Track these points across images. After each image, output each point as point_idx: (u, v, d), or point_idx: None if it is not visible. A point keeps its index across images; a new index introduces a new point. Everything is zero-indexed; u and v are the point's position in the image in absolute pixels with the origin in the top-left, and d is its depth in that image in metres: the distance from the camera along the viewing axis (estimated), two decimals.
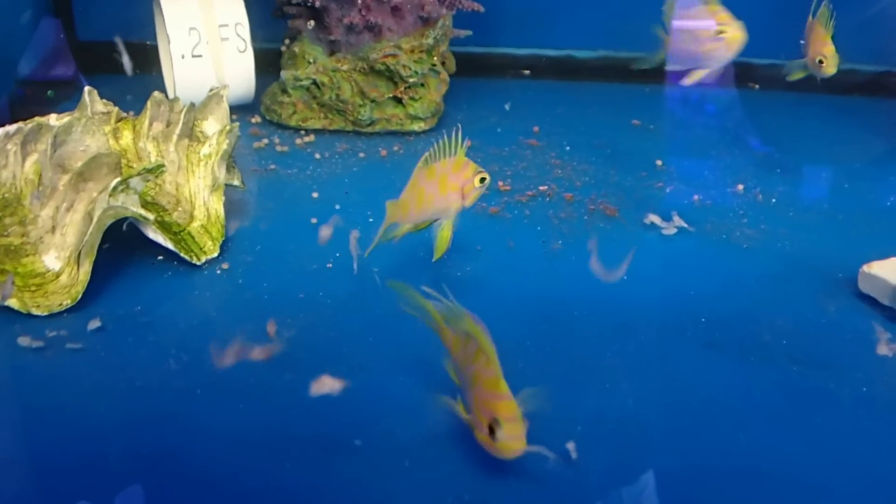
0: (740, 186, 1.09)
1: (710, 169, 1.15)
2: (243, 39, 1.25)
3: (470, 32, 1.31)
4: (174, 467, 0.64)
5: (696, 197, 1.06)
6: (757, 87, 1.48)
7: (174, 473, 0.63)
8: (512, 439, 0.60)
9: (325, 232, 0.93)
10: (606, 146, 1.22)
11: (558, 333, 0.81)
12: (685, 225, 0.98)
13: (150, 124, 0.93)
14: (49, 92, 1.37)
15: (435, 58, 1.25)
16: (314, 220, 0.99)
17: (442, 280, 0.88)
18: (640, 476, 0.64)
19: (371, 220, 0.99)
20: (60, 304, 0.80)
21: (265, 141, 1.20)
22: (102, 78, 1.44)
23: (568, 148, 1.21)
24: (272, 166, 1.12)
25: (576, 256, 0.93)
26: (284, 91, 1.25)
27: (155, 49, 1.35)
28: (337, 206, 1.02)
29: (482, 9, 1.28)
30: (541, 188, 1.08)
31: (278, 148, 1.18)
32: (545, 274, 0.90)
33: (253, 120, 1.27)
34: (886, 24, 1.44)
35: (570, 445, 0.66)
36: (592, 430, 0.68)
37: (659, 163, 1.16)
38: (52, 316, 0.79)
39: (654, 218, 0.99)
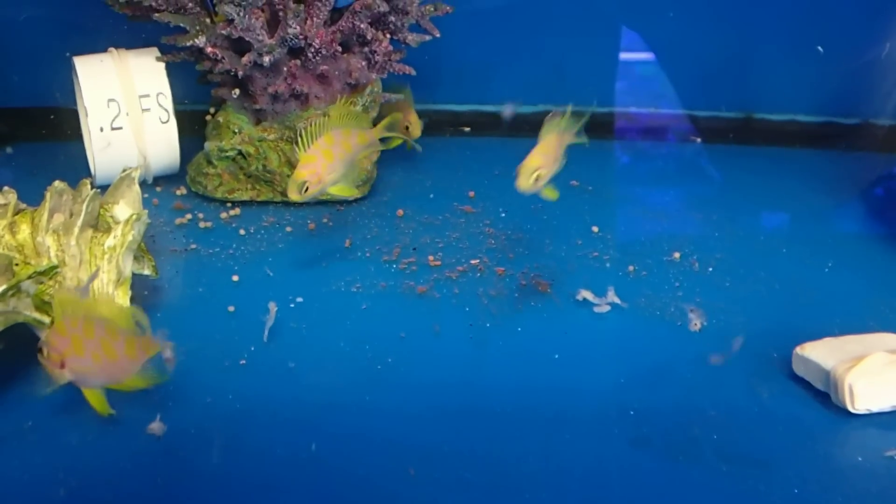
0: (676, 255, 1.06)
1: (647, 234, 1.12)
2: (166, 109, 1.21)
3: (402, 97, 1.28)
4: None
5: (630, 268, 1.03)
6: (699, 140, 1.47)
7: None
8: None
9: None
10: (543, 211, 1.19)
11: (481, 432, 0.77)
12: (618, 301, 0.95)
13: (51, 216, 0.88)
14: None
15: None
16: (231, 308, 0.94)
17: (361, 374, 0.84)
18: None
19: (292, 304, 0.94)
20: None
21: (188, 216, 1.15)
22: (21, 146, 1.39)
23: (503, 214, 1.18)
24: (193, 245, 1.08)
25: (503, 340, 0.89)
26: (210, 162, 1.20)
27: (75, 113, 1.30)
28: (257, 290, 0.98)
29: (413, 72, 1.25)
30: (472, 262, 1.04)
31: (202, 224, 1.13)
32: (471, 361, 0.86)
33: (178, 192, 1.23)
34: (830, 74, 1.44)
35: None
36: None
37: (595, 229, 1.13)
38: None
39: (586, 294, 0.96)
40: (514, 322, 0.92)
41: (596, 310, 0.94)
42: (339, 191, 1.00)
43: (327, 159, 0.96)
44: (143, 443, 0.74)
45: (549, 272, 1.02)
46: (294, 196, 0.94)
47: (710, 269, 1.04)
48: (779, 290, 0.99)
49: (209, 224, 1.13)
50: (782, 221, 1.18)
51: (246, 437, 0.75)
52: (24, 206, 0.89)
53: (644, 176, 1.34)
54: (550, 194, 0.94)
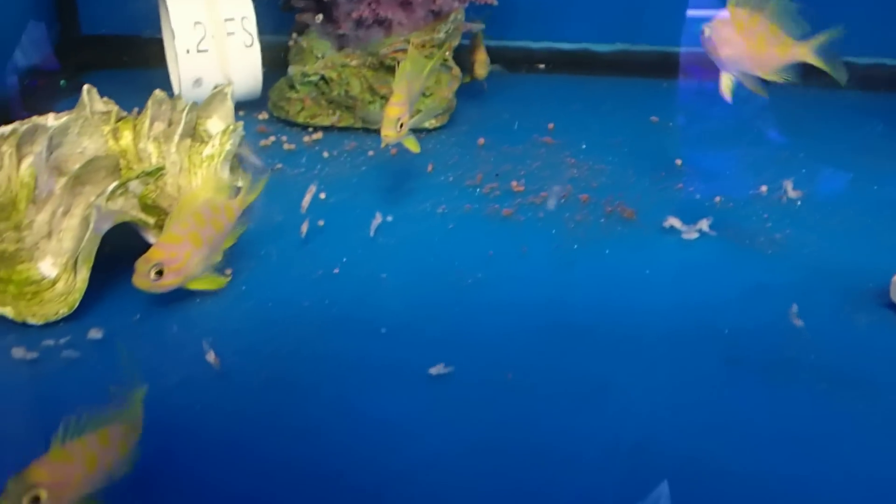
0: (763, 188, 1.04)
1: (732, 169, 1.11)
2: (250, 34, 1.22)
3: (482, 26, 1.27)
4: (176, 480, 0.61)
5: (717, 199, 1.02)
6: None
7: (174, 485, 0.61)
8: None
9: (306, 199, 0.92)
10: (624, 144, 1.18)
11: (571, 345, 0.77)
12: (706, 229, 0.94)
13: (151, 124, 0.90)
14: (62, 82, 1.35)
15: (446, 52, 1.21)
16: (321, 223, 0.95)
17: (450, 290, 0.85)
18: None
19: (380, 222, 0.95)
20: (56, 313, 0.77)
21: (272, 139, 1.17)
22: (106, 73, 1.42)
23: (584, 146, 1.17)
24: (279, 165, 1.09)
25: (592, 262, 0.89)
26: (292, 87, 1.21)
27: (160, 43, 1.32)
28: (345, 207, 0.99)
29: (495, 1, 1.24)
30: (555, 189, 1.04)
31: (286, 146, 1.15)
32: (560, 280, 0.87)
33: (260, 117, 1.24)
34: None
35: None
36: (605, 456, 0.65)
37: (678, 162, 1.12)
38: (47, 325, 0.77)
39: (673, 221, 0.95)
40: (601, 245, 0.92)
41: (684, 237, 0.94)
42: (410, 144, 0.97)
43: (409, 98, 0.95)
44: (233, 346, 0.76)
45: (634, 201, 1.02)
46: (390, 133, 0.92)
47: (799, 203, 1.02)
48: (871, 225, 0.97)
49: (292, 146, 1.15)
50: (870, 162, 1.15)
51: (342, 339, 0.77)
52: (125, 113, 0.91)
53: (724, 115, 1.31)
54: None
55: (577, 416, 0.69)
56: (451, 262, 0.89)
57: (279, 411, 0.68)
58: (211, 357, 0.73)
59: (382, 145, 0.94)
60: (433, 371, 0.72)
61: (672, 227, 0.95)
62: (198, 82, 1.17)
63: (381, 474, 0.63)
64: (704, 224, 0.93)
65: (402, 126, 0.92)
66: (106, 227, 0.79)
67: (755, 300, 0.83)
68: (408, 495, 0.61)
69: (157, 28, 1.32)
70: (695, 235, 0.93)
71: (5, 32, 1.28)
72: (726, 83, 0.88)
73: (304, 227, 0.92)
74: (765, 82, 0.90)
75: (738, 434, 0.67)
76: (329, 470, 0.63)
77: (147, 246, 0.83)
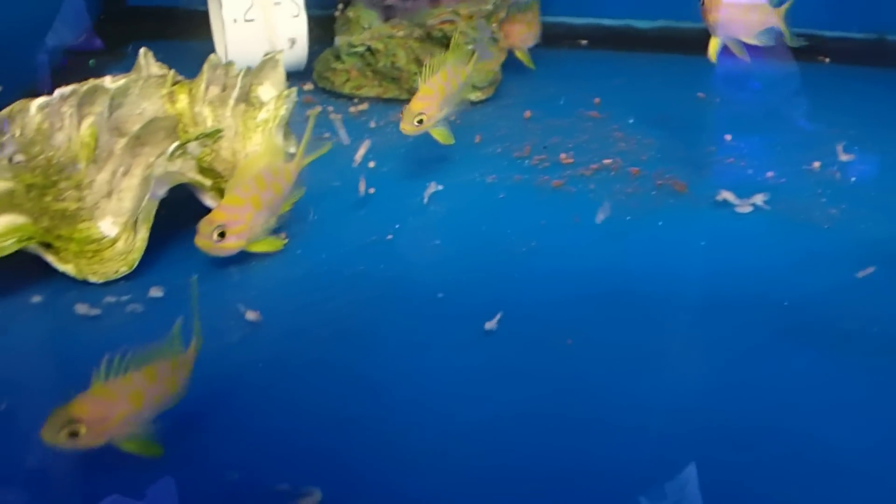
0: (816, 164, 1.03)
1: (783, 145, 1.09)
2: (296, 4, 1.22)
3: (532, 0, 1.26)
4: (243, 438, 0.62)
5: (769, 174, 1.01)
6: (828, 60, 1.41)
7: (246, 442, 0.61)
8: None
9: (360, 153, 0.93)
10: (671, 119, 1.17)
11: (626, 314, 0.77)
12: (760, 203, 0.93)
13: (207, 88, 0.90)
14: (90, 61, 1.35)
15: (493, 24, 1.20)
16: (372, 190, 0.95)
17: (505, 256, 0.85)
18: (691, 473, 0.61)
19: (431, 190, 0.95)
20: (116, 272, 0.78)
21: (318, 108, 1.17)
22: (149, 44, 1.42)
23: (631, 121, 1.16)
24: (326, 134, 1.09)
25: (645, 233, 0.89)
26: (338, 58, 1.21)
27: (202, 14, 1.32)
28: (394, 176, 0.99)
29: None
30: (605, 161, 1.04)
31: (332, 116, 1.15)
32: (614, 249, 0.86)
33: (305, 87, 1.24)
34: None
35: None
36: (665, 423, 0.65)
37: (728, 137, 1.10)
38: (107, 284, 0.78)
39: (726, 195, 0.94)
40: (654, 217, 0.92)
41: (738, 210, 0.93)
42: (439, 135, 0.96)
43: (441, 95, 0.93)
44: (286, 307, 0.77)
45: (685, 174, 1.01)
46: (407, 129, 0.91)
47: (853, 179, 1.01)
48: None
49: (339, 116, 1.15)
50: None
51: (400, 302, 0.77)
52: (180, 78, 0.92)
53: (772, 93, 1.29)
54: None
55: (634, 382, 0.69)
56: (504, 231, 0.89)
57: (342, 368, 0.69)
58: (251, 315, 0.73)
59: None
60: (489, 326, 0.72)
61: (725, 201, 0.94)
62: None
63: (445, 432, 0.63)
64: (760, 198, 0.92)
65: (421, 122, 0.91)
66: (165, 188, 0.79)
67: (813, 273, 0.82)
68: (470, 452, 0.62)
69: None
70: (749, 209, 0.93)
71: (42, 10, 1.28)
72: (712, 46, 0.95)
73: (362, 186, 0.92)
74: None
75: (798, 405, 0.67)
76: (394, 426, 0.63)
77: (203, 208, 0.84)
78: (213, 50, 1.30)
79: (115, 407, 0.55)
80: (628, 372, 0.70)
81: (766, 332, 0.74)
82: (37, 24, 1.24)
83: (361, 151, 0.94)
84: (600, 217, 0.89)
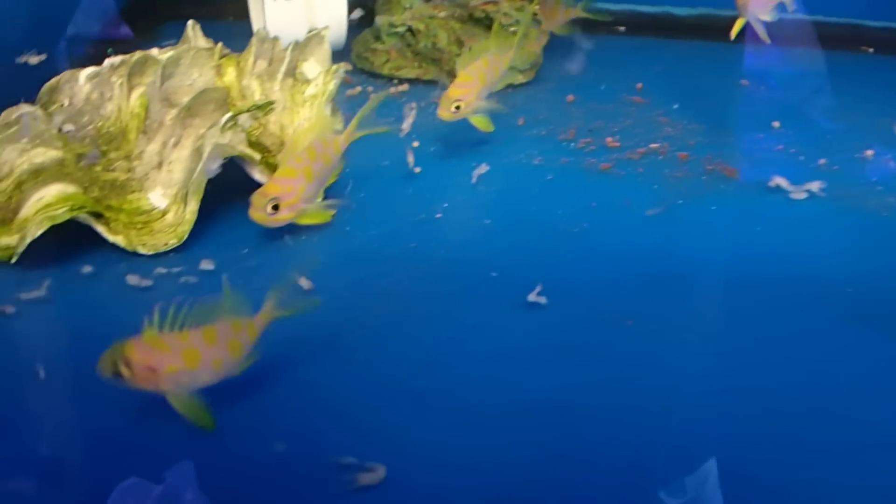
0: (869, 152, 1.01)
1: (833, 133, 1.07)
2: None
3: None
4: (303, 408, 0.60)
5: (821, 161, 0.99)
6: (871, 50, 1.39)
7: (306, 412, 0.60)
8: None
9: (408, 122, 0.93)
10: (716, 106, 1.15)
11: (683, 297, 0.75)
12: (816, 190, 0.91)
13: (255, 62, 0.89)
14: (108, 50, 1.34)
15: (536, 6, 1.18)
16: (418, 169, 0.94)
17: (557, 237, 0.83)
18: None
19: (478, 170, 0.94)
20: (166, 244, 0.77)
21: (358, 88, 1.16)
22: (185, 23, 1.41)
23: (675, 106, 1.14)
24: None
25: (698, 217, 0.87)
26: (377, 38, 1.20)
27: None
28: (439, 156, 0.98)
29: None
30: (652, 146, 1.02)
31: (372, 96, 1.13)
32: (667, 233, 0.85)
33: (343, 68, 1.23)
34: None
35: None
36: (731, 402, 0.63)
37: (776, 125, 1.09)
38: (156, 256, 0.76)
39: (779, 181, 0.92)
40: (706, 201, 0.90)
41: (792, 196, 0.91)
42: (478, 122, 0.95)
43: (480, 83, 0.93)
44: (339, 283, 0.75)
45: (734, 160, 0.99)
46: (444, 115, 0.92)
47: None
48: None
49: (380, 96, 1.13)
50: None
51: (453, 280, 0.76)
52: (227, 51, 0.90)
53: (817, 81, 1.27)
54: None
55: (693, 363, 0.68)
56: (554, 212, 0.87)
57: (400, 344, 0.68)
58: (304, 283, 0.72)
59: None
60: (534, 299, 0.71)
61: (778, 187, 0.92)
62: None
63: (506, 408, 0.62)
64: (815, 186, 0.91)
65: (458, 109, 0.91)
66: (218, 162, 0.78)
67: (874, 260, 0.81)
68: (532, 428, 0.60)
69: None
70: (803, 195, 0.91)
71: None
72: (737, 25, 0.98)
73: (411, 158, 0.91)
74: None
75: (862, 388, 0.65)
76: (455, 401, 0.62)
77: (251, 182, 0.83)
78: (247, 29, 1.29)
79: (165, 358, 0.54)
80: (689, 353, 0.68)
81: (829, 316, 0.73)
82: (57, 14, 1.23)
83: (409, 120, 0.93)
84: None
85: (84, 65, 0.86)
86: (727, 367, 0.68)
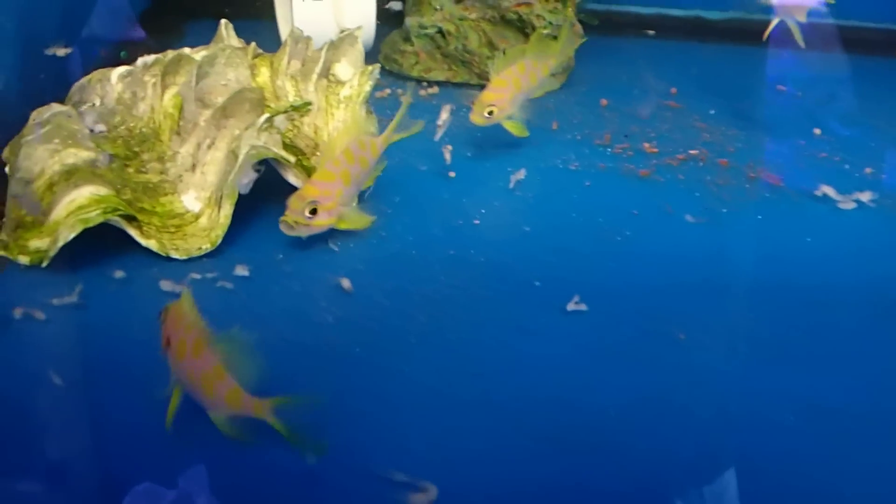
0: None
1: (877, 141, 1.04)
2: None
3: None
4: (350, 419, 0.58)
5: (867, 170, 0.96)
6: None
7: (354, 423, 0.58)
8: None
9: (443, 118, 0.91)
10: (753, 111, 1.12)
11: (738, 306, 0.73)
12: (866, 200, 0.88)
13: (289, 62, 0.86)
14: (122, 53, 1.32)
15: (570, 9, 1.16)
16: (452, 174, 0.92)
17: (600, 245, 0.81)
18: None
19: (515, 176, 0.91)
20: (199, 248, 0.74)
21: (387, 91, 1.13)
22: (208, 23, 1.39)
23: (712, 112, 1.11)
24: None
25: (745, 226, 0.85)
26: (407, 39, 1.17)
27: None
28: (474, 160, 0.95)
29: None
30: (691, 152, 0.99)
31: (402, 99, 1.11)
32: (714, 242, 0.82)
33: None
34: None
35: None
36: (804, 419, 0.60)
37: (817, 131, 1.06)
38: (190, 260, 0.74)
39: (826, 189, 0.90)
40: (751, 210, 0.87)
41: (840, 206, 0.88)
42: (513, 127, 0.93)
43: (515, 89, 0.91)
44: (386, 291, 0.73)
45: (777, 168, 0.96)
46: (477, 119, 0.90)
47: None
48: None
49: (410, 100, 1.11)
50: None
51: (496, 288, 0.73)
52: (261, 51, 0.88)
53: (855, 87, 1.24)
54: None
55: (754, 374, 0.65)
56: (595, 219, 0.85)
57: (445, 353, 0.65)
58: (346, 284, 0.70)
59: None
60: (571, 307, 0.69)
61: (826, 196, 0.89)
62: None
63: (558, 421, 0.59)
64: (865, 196, 0.88)
65: (490, 114, 0.89)
66: (249, 174, 0.76)
67: None
68: (588, 445, 0.58)
69: None
70: (852, 205, 0.88)
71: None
72: (771, 24, 0.98)
73: (448, 154, 0.89)
74: None
75: None
76: (505, 414, 0.60)
77: (286, 185, 0.80)
78: (272, 29, 1.27)
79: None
80: (745, 367, 0.66)
81: (891, 332, 0.70)
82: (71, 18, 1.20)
83: (444, 116, 0.91)
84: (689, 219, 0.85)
85: (97, 67, 0.85)
86: (788, 382, 0.65)
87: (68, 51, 0.91)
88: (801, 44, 0.99)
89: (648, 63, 1.30)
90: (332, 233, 0.78)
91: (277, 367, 0.63)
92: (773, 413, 0.62)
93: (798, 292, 0.74)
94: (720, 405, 0.63)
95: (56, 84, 0.90)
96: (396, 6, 1.22)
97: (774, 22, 0.99)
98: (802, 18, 0.99)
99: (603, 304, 0.71)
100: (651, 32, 1.45)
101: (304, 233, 0.74)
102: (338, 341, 0.65)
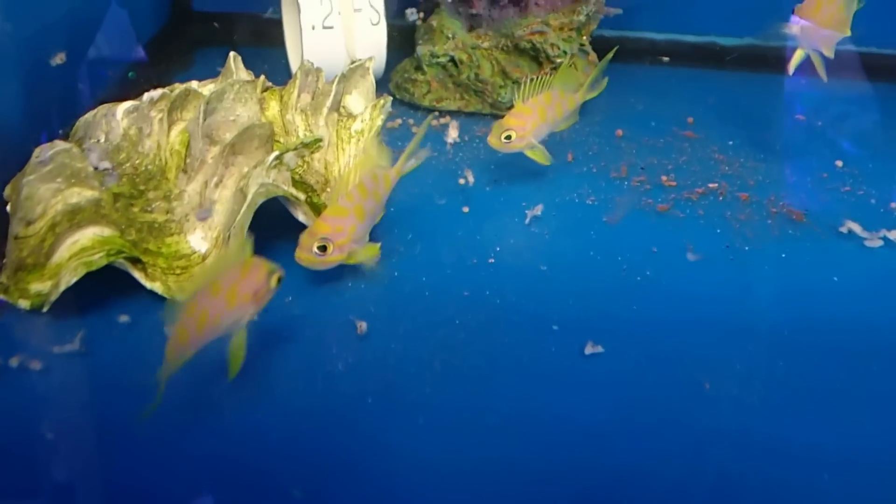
0: None
1: None
2: (377, 11, 1.16)
3: (620, 11, 1.20)
4: (368, 471, 0.55)
5: (893, 204, 0.93)
6: None
7: (370, 475, 0.55)
8: None
9: (452, 135, 0.91)
10: (773, 142, 1.10)
11: (764, 350, 0.70)
12: (892, 237, 0.85)
13: (299, 95, 0.84)
14: (130, 73, 1.31)
15: (584, 37, 1.14)
16: (466, 209, 0.89)
17: (619, 285, 0.78)
18: None
19: (530, 211, 0.89)
20: None
21: (399, 121, 1.11)
22: (217, 50, 1.38)
23: (731, 142, 1.09)
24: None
25: (769, 265, 0.82)
26: (418, 68, 1.15)
27: (272, 22, 1.28)
28: (488, 194, 0.93)
29: None
30: (710, 185, 0.97)
31: (414, 129, 1.09)
32: (737, 283, 0.79)
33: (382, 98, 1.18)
34: None
35: None
36: (839, 477, 0.57)
37: (839, 164, 1.03)
38: None
39: (852, 226, 0.87)
40: (775, 248, 0.85)
41: (867, 244, 0.85)
42: (536, 155, 0.92)
43: (540, 119, 0.89)
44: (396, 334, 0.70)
45: (799, 202, 0.94)
46: (494, 143, 0.88)
47: None
48: None
49: (423, 132, 1.09)
50: None
51: (513, 333, 0.71)
52: (270, 84, 0.86)
53: (876, 116, 1.22)
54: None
55: (787, 428, 0.62)
56: (614, 257, 0.82)
57: (463, 404, 0.63)
58: (361, 327, 0.67)
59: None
60: (588, 350, 0.66)
61: (851, 232, 0.87)
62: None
63: (585, 480, 0.56)
64: (894, 234, 0.85)
65: (508, 139, 0.87)
66: (259, 201, 0.74)
67: None
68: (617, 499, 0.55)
69: (268, 5, 1.27)
70: (879, 243, 0.85)
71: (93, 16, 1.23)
72: (796, 57, 0.96)
73: (470, 176, 0.89)
74: None
75: None
76: (531, 473, 0.56)
77: (295, 223, 0.78)
78: (281, 57, 1.25)
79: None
80: (775, 417, 0.63)
81: None
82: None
83: (452, 133, 0.89)
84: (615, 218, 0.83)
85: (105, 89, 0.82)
86: (820, 436, 0.62)
87: (72, 67, 0.88)
88: (825, 78, 0.97)
89: (664, 91, 1.28)
90: (343, 271, 0.76)
91: (288, 411, 0.60)
92: (808, 471, 0.59)
93: (827, 336, 0.71)
94: (751, 463, 0.60)
95: (62, 109, 0.88)
96: (412, 16, 1.19)
97: (800, 56, 0.96)
98: (830, 54, 0.96)
99: (624, 348, 0.69)
100: (665, 59, 1.42)
101: (318, 267, 0.71)
102: (349, 391, 0.63)
